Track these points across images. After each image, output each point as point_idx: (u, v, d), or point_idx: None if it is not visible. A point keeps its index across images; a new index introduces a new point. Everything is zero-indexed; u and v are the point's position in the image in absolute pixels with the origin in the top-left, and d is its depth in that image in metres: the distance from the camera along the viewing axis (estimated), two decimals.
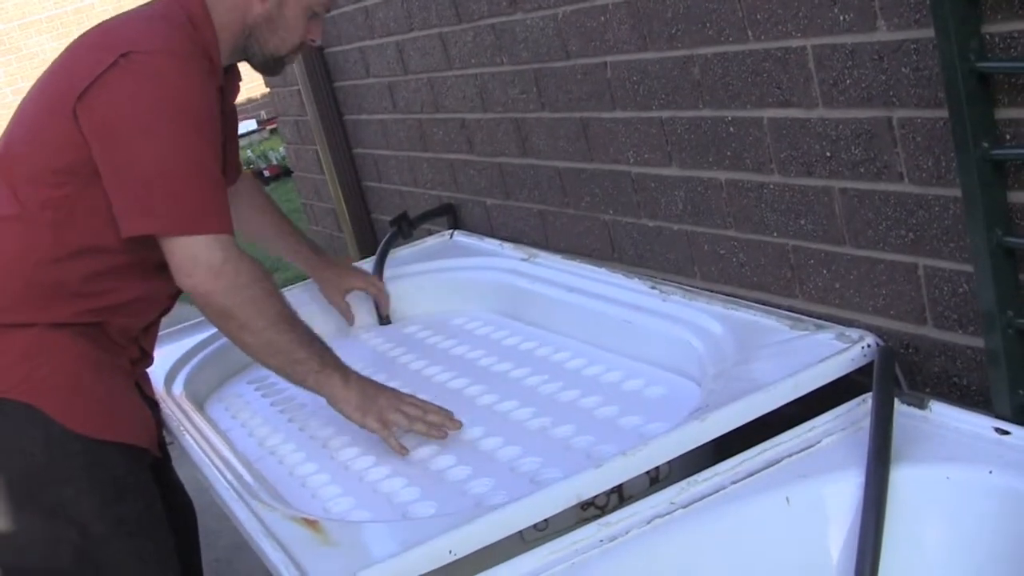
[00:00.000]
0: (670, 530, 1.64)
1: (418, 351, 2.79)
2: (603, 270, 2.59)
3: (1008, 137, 1.55)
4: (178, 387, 2.61)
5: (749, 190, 2.09)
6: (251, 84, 4.64)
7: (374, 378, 2.23)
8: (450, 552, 1.61)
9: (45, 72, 2.22)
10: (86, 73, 2.04)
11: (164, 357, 2.71)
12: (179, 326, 2.99)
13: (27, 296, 2.10)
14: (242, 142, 12.40)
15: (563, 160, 2.67)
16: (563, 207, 2.75)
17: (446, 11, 2.94)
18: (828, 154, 1.88)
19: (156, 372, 2.58)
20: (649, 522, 1.65)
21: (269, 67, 2.35)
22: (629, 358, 2.34)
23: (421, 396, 2.21)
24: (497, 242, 3.07)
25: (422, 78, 3.22)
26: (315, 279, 2.91)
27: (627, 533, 1.64)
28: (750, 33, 1.95)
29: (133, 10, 2.24)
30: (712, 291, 2.28)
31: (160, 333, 2.48)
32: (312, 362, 2.11)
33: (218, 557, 3.54)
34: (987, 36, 1.52)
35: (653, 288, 2.39)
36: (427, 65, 3.16)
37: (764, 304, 2.14)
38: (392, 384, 2.24)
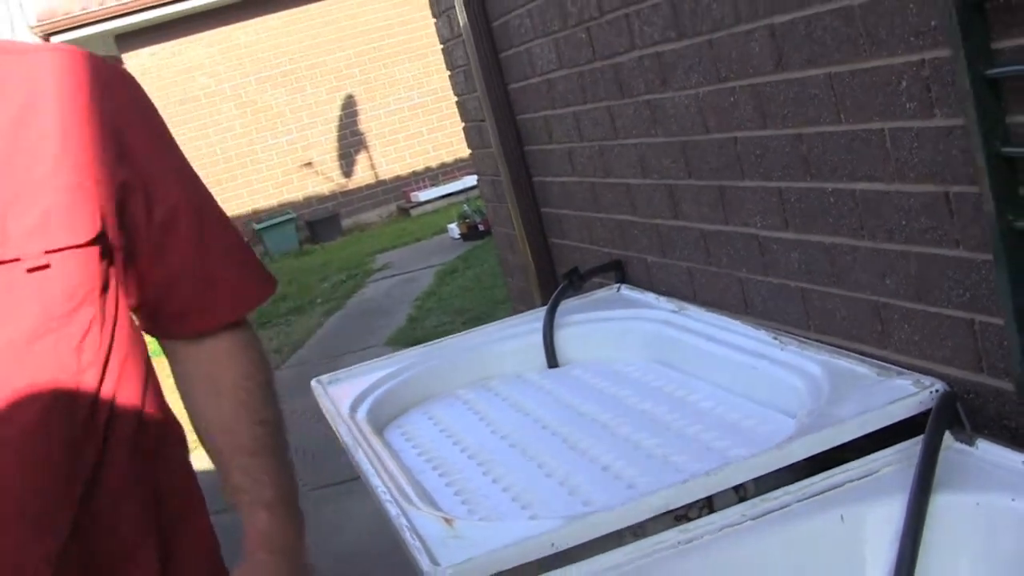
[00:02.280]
0: (739, 538, 1.95)
1: (582, 393, 3.13)
2: (737, 322, 2.90)
3: None
4: (361, 413, 3.02)
5: (846, 252, 2.38)
6: (461, 145, 5.08)
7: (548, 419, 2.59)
8: (552, 545, 1.96)
9: None
10: None
11: (352, 387, 3.14)
12: (367, 362, 3.44)
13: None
14: (459, 197, 12.94)
15: (706, 223, 3.00)
16: (707, 265, 3.06)
17: (612, 87, 3.31)
18: (904, 222, 2.17)
19: (342, 397, 3.01)
20: (720, 530, 1.96)
21: None
22: (748, 399, 2.64)
23: (580, 433, 2.58)
24: (654, 295, 3.39)
25: (594, 146, 3.59)
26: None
27: (701, 538, 1.95)
28: (842, 116, 2.26)
29: None
30: (821, 342, 2.56)
31: (350, 369, 2.94)
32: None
33: None
34: (1011, 125, 1.80)
35: (775, 339, 2.69)
36: (598, 134, 3.53)
37: (860, 354, 2.42)
38: (555, 423, 2.62)
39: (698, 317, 3.09)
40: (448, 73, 4.95)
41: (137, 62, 15.06)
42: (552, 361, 3.41)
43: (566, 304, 3.58)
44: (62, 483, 1.61)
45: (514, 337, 3.52)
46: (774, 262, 2.70)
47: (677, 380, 2.97)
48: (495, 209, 4.91)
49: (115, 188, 1.66)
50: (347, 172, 15.83)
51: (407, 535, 2.11)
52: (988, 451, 1.97)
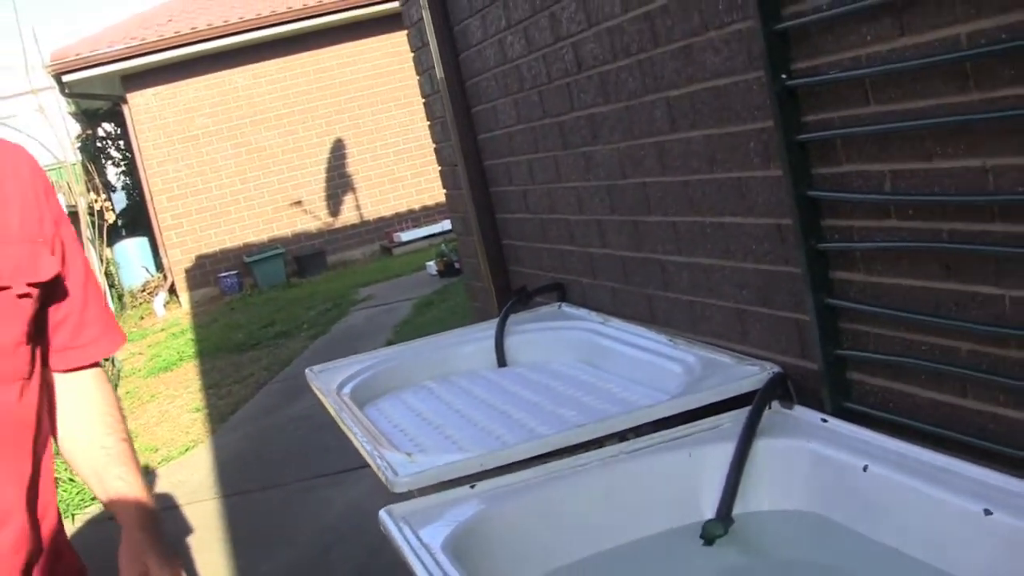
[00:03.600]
0: (615, 465, 2.69)
1: (522, 384, 3.87)
2: (644, 329, 3.66)
3: (830, 237, 2.58)
4: (346, 391, 3.77)
5: (718, 271, 3.15)
6: (441, 191, 5.82)
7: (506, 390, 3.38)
8: (480, 465, 2.70)
9: None
10: None
11: (338, 374, 3.90)
12: (350, 357, 4.19)
13: None
14: (438, 238, 13.76)
15: (625, 251, 3.76)
16: (625, 285, 3.83)
17: (557, 140, 4.08)
18: (754, 247, 2.93)
19: (330, 381, 3.77)
20: (603, 460, 2.71)
21: None
22: (644, 385, 3.39)
23: (516, 410, 3.32)
24: (587, 311, 4.15)
25: (544, 188, 4.36)
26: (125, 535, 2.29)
27: (588, 465, 2.70)
28: (714, 167, 3.03)
29: None
30: (702, 340, 3.32)
31: (336, 361, 3.72)
32: None
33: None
34: (814, 175, 2.57)
35: (670, 340, 3.45)
36: (546, 178, 4.30)
37: (727, 348, 3.17)
38: (499, 403, 3.38)
39: (617, 327, 3.85)
40: (428, 123, 5.72)
41: (141, 101, 15.83)
42: (502, 361, 4.15)
43: (515, 317, 4.34)
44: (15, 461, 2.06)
45: (472, 341, 4.27)
46: (671, 281, 3.47)
47: (596, 375, 3.72)
48: (464, 242, 5.67)
49: (53, 247, 2.13)
50: (334, 212, 16.57)
51: (379, 462, 2.84)
52: (801, 413, 2.72)
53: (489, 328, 4.28)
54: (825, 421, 2.63)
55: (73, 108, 20.30)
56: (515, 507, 2.61)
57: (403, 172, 16.62)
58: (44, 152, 19.44)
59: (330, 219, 16.67)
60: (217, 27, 15.51)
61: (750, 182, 2.87)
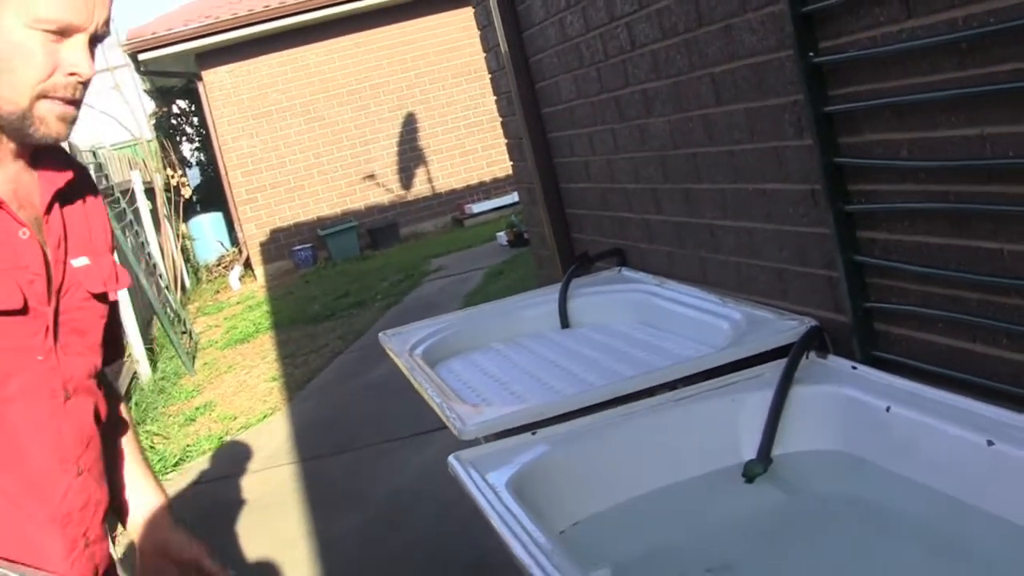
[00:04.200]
0: (664, 411, 2.97)
1: (584, 343, 4.15)
2: (697, 289, 3.92)
3: (856, 200, 2.83)
4: (418, 352, 4.07)
5: (760, 234, 3.40)
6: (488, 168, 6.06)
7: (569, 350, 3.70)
8: (540, 413, 2.98)
9: None
10: None
11: (410, 337, 4.20)
12: (421, 321, 4.50)
13: None
14: (508, 210, 14.04)
15: (678, 216, 4.02)
16: (679, 248, 4.09)
17: (614, 114, 4.35)
18: (791, 210, 3.19)
19: (403, 343, 4.07)
20: (652, 408, 2.98)
21: (24, 130, 1.77)
22: (695, 341, 3.66)
23: (577, 366, 3.60)
24: (644, 274, 4.42)
25: (603, 159, 4.63)
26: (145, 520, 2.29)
27: (640, 411, 2.98)
28: (754, 138, 3.28)
29: None
30: (748, 299, 3.58)
31: (408, 325, 4.02)
32: None
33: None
34: (840, 144, 2.82)
35: (720, 300, 3.71)
36: (605, 150, 4.57)
37: (770, 305, 3.43)
38: (561, 361, 3.67)
39: (672, 288, 4.12)
40: (495, 98, 5.99)
41: (215, 78, 16.25)
42: (565, 323, 4.44)
43: (578, 281, 4.62)
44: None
45: (537, 305, 4.56)
46: (720, 244, 3.73)
47: (653, 333, 3.99)
48: (530, 211, 5.95)
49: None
50: (406, 185, 16.91)
51: (449, 414, 3.13)
52: (834, 361, 2.98)
53: (553, 292, 4.57)
54: (855, 368, 2.88)
55: (148, 86, 20.80)
56: (573, 451, 2.90)
57: (473, 145, 16.92)
58: (121, 130, 20.00)
59: (402, 192, 17.01)
60: (289, 4, 15.85)
61: (786, 151, 3.12)
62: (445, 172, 16.99)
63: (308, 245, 16.51)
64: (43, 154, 1.91)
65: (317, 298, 12.93)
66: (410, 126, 16.83)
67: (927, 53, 2.42)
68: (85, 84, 1.77)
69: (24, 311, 1.81)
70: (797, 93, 2.93)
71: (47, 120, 1.75)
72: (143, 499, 2.28)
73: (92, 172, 10.37)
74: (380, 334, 4.45)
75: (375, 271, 13.97)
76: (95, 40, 1.75)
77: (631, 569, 2.52)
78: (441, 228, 16.83)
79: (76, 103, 1.77)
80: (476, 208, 16.17)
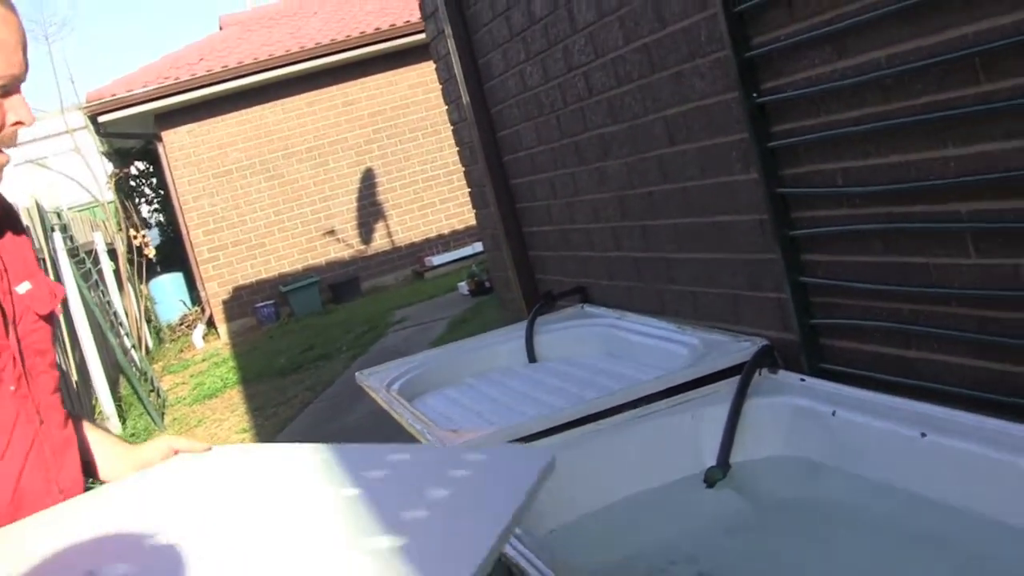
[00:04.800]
0: (628, 428, 3.22)
1: (550, 375, 4.40)
2: (655, 319, 4.19)
3: (799, 225, 3.11)
4: (395, 388, 4.30)
5: (714, 263, 3.68)
6: (470, 214, 6.30)
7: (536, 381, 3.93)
8: (501, 431, 3.23)
9: None
10: None
11: (386, 375, 4.44)
12: (395, 360, 4.73)
13: None
14: (468, 260, 14.31)
15: (636, 252, 4.30)
16: (638, 282, 4.36)
17: (573, 158, 4.63)
18: (742, 240, 3.46)
19: (379, 381, 4.31)
20: (616, 426, 3.24)
21: None
22: (655, 368, 3.92)
23: (545, 395, 3.84)
24: (606, 308, 4.69)
25: (564, 202, 4.90)
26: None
27: (605, 429, 3.23)
28: (705, 173, 3.56)
29: None
30: (706, 325, 3.85)
31: (383, 365, 4.25)
32: None
33: None
34: (782, 175, 3.10)
35: (678, 328, 3.98)
36: (566, 193, 4.84)
37: (726, 329, 3.70)
38: (529, 391, 3.91)
39: (632, 320, 4.39)
40: (457, 149, 6.27)
41: (175, 139, 16.46)
42: (532, 357, 4.69)
43: (543, 319, 4.88)
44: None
45: (505, 342, 4.82)
46: (676, 275, 4.00)
47: (615, 362, 4.26)
48: (494, 257, 6.21)
49: None
50: (366, 239, 17.14)
51: (430, 438, 3.37)
52: (784, 376, 3.25)
53: (520, 329, 4.82)
54: (803, 380, 3.15)
55: (105, 147, 20.97)
56: None
57: (432, 198, 17.18)
58: (81, 192, 20.12)
59: (363, 246, 17.24)
60: (247, 64, 16.10)
61: (735, 185, 3.40)
62: (404, 226, 17.23)
63: (271, 301, 16.69)
64: None
65: (283, 352, 13.10)
66: (369, 181, 17.08)
67: (856, 90, 2.71)
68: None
69: None
70: (743, 131, 3.20)
71: None
72: (105, 447, 2.30)
73: (59, 234, 10.57)
74: (356, 373, 4.67)
75: (338, 324, 14.17)
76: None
77: (607, 569, 2.76)
78: (402, 281, 17.06)
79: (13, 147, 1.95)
80: (436, 260, 16.41)
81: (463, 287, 12.57)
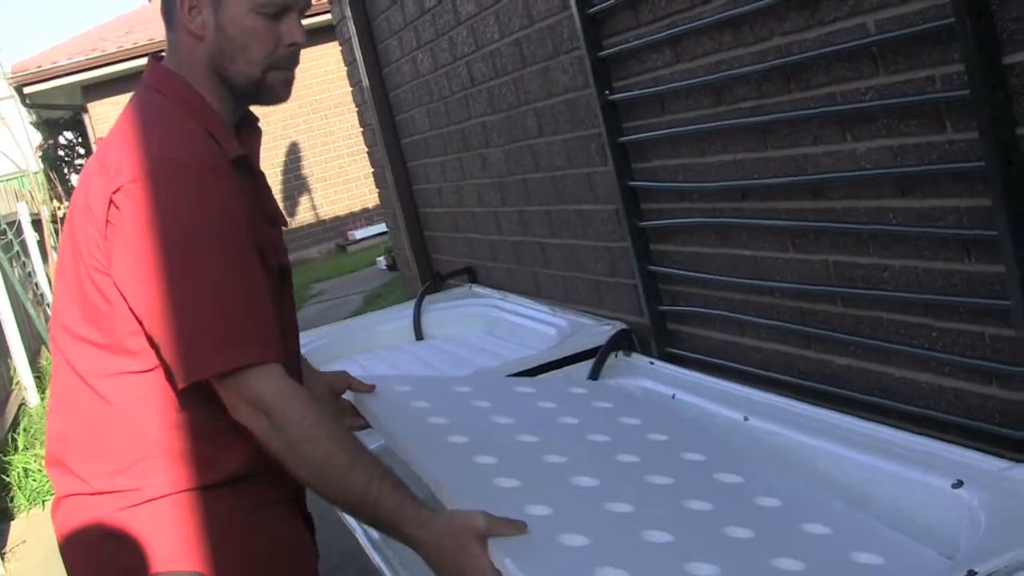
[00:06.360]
0: (502, 395, 3.39)
1: (434, 353, 4.56)
2: (532, 302, 4.36)
3: (648, 217, 3.29)
4: None
5: (580, 250, 3.85)
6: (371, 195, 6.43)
7: (420, 358, 4.04)
8: None
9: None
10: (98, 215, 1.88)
11: None
12: None
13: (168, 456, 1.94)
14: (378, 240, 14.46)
15: (516, 236, 4.46)
16: (517, 264, 4.53)
17: (460, 144, 4.78)
18: (602, 228, 3.63)
19: None
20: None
21: (260, 95, 2.03)
22: (527, 347, 4.09)
23: (422, 370, 4.00)
24: (491, 289, 4.85)
25: (453, 184, 5.06)
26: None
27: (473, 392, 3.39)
28: (570, 163, 3.73)
29: (120, 126, 1.99)
30: (575, 308, 4.02)
31: None
32: (384, 494, 1.83)
33: None
34: (635, 169, 3.28)
35: (549, 309, 4.15)
36: (455, 177, 5.00)
37: (591, 313, 3.88)
38: (413, 369, 4.06)
39: (512, 301, 4.56)
40: (361, 129, 6.40)
41: (102, 110, 16.40)
42: (419, 335, 4.85)
43: (432, 298, 5.03)
44: None
45: (394, 320, 4.97)
46: (550, 260, 4.17)
47: (494, 342, 4.42)
48: (394, 235, 6.36)
49: None
50: (291, 212, 17.19)
51: None
52: (636, 359, 3.43)
53: (409, 308, 4.98)
54: (652, 364, 3.33)
55: (34, 118, 20.84)
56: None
57: (356, 173, 17.23)
58: (6, 162, 20.02)
59: (287, 219, 17.30)
60: None
61: (595, 176, 3.57)
62: (329, 200, 17.30)
63: None
64: None
65: None
66: (294, 155, 17.13)
67: (692, 92, 2.88)
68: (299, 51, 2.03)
69: None
70: (599, 126, 3.37)
71: (276, 87, 2.02)
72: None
73: None
74: None
75: None
76: (301, 12, 2.00)
77: None
78: (326, 254, 17.13)
79: (294, 68, 2.05)
80: (359, 234, 16.50)
81: (381, 262, 12.69)
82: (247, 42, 1.95)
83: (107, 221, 1.85)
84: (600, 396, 2.99)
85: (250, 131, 2.13)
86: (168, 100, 1.98)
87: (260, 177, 2.13)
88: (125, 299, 1.86)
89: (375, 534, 2.66)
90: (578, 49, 3.38)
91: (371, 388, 2.48)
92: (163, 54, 2.06)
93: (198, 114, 1.97)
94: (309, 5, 2.04)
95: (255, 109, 2.13)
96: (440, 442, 2.36)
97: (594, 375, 3.35)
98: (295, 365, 2.17)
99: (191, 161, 1.87)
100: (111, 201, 1.84)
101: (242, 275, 1.86)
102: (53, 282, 2.04)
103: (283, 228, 2.17)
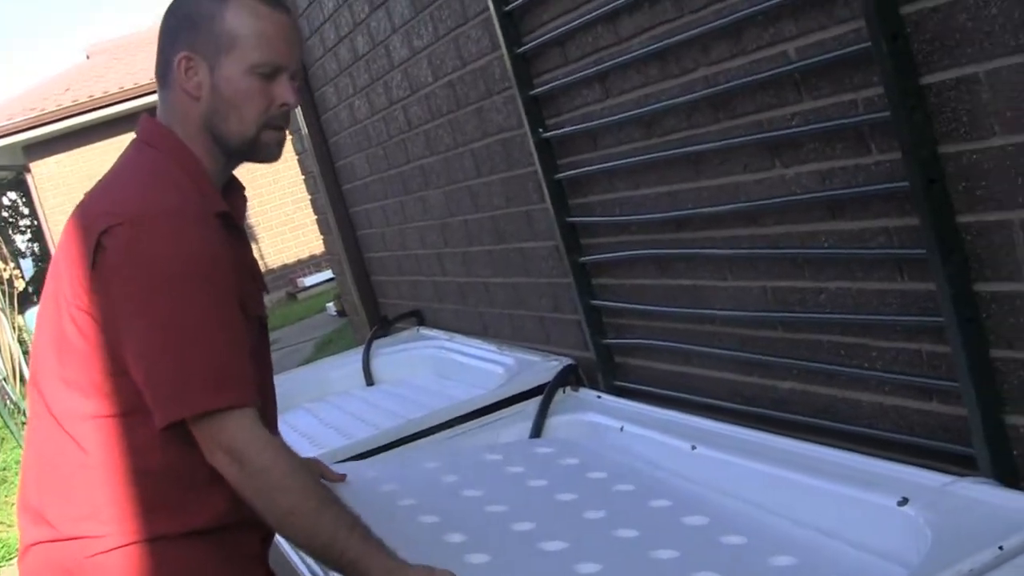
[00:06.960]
0: (444, 446, 3.38)
1: (385, 397, 4.55)
2: (479, 341, 4.36)
3: (587, 252, 3.30)
4: None
5: (524, 288, 3.86)
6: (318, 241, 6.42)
7: (370, 403, 4.01)
8: (335, 454, 3.37)
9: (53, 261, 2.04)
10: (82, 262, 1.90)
11: None
12: None
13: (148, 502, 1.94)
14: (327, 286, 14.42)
15: (459, 277, 4.46)
16: (463, 306, 4.53)
17: (399, 187, 4.79)
18: (543, 266, 3.64)
19: None
20: (435, 444, 3.39)
21: (254, 153, 2.08)
22: (475, 387, 4.09)
23: (379, 418, 3.97)
24: (439, 331, 4.85)
25: (395, 228, 5.06)
26: None
27: (420, 448, 3.38)
28: (508, 204, 3.74)
29: (110, 175, 2.05)
30: (522, 345, 4.02)
31: None
32: (352, 541, 1.86)
33: None
34: (571, 206, 3.29)
35: (498, 348, 4.15)
36: (396, 221, 5.00)
37: (538, 350, 3.88)
38: (364, 415, 4.03)
39: (459, 342, 4.55)
40: (303, 177, 6.39)
41: (44, 169, 16.31)
42: (369, 380, 4.84)
43: (381, 342, 5.02)
44: None
45: (344, 366, 4.96)
46: (494, 299, 4.18)
47: (443, 383, 4.42)
48: (341, 281, 6.35)
49: None
50: None
51: None
52: (584, 393, 3.43)
53: (357, 353, 4.97)
54: (599, 397, 3.34)
55: None
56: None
57: (302, 220, 17.14)
58: None
59: None
60: (113, 93, 16.00)
61: (534, 213, 3.58)
62: (276, 248, 17.25)
63: None
64: None
65: None
66: None
67: (622, 126, 2.90)
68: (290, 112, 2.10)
69: None
70: (534, 164, 3.38)
71: (270, 145, 2.08)
72: None
73: None
74: None
75: None
76: (293, 77, 2.06)
77: None
78: (276, 303, 17.06)
79: (287, 128, 2.11)
80: (308, 281, 16.44)
81: (331, 308, 12.65)
82: (241, 102, 2.01)
83: (92, 261, 1.88)
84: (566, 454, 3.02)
85: (236, 194, 2.17)
86: (161, 154, 2.03)
87: (243, 235, 2.16)
88: (104, 338, 1.89)
89: None
90: (510, 88, 3.40)
91: (343, 477, 2.51)
92: (155, 110, 2.11)
93: (188, 169, 2.02)
94: (301, 69, 2.13)
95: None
96: (411, 524, 2.38)
97: (541, 414, 3.35)
98: (272, 414, 2.17)
99: (180, 209, 1.92)
100: (98, 242, 1.87)
101: (225, 320, 1.90)
102: (34, 330, 2.10)
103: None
